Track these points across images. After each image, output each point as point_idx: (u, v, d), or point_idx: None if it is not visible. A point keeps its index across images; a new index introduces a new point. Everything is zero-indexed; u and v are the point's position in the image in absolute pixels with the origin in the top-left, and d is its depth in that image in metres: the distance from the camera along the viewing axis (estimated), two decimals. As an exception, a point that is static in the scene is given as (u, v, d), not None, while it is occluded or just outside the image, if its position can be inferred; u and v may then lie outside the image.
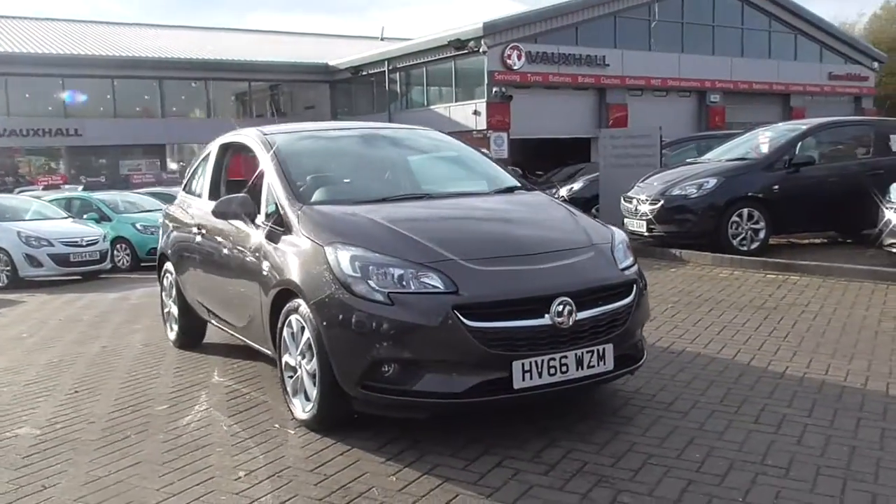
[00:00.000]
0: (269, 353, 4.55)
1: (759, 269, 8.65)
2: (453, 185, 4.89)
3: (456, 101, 30.36)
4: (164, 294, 6.44)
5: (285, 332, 4.14)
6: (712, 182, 9.49)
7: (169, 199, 17.63)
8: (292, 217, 4.24)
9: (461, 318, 3.51)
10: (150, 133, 34.05)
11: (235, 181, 5.80)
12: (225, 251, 4.91)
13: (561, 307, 3.63)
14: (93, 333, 7.23)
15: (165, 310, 6.42)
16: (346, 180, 4.88)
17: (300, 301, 3.96)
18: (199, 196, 5.80)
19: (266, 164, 4.73)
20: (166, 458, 3.74)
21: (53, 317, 8.53)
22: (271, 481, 3.42)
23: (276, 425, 4.14)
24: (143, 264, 15.02)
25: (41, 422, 4.42)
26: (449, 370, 3.56)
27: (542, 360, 3.62)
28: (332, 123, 6.37)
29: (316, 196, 4.44)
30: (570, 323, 3.65)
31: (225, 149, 5.72)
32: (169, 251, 6.12)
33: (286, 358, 4.18)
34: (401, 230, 3.95)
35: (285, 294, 4.13)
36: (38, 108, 32.84)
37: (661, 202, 9.70)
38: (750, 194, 9.41)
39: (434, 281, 3.61)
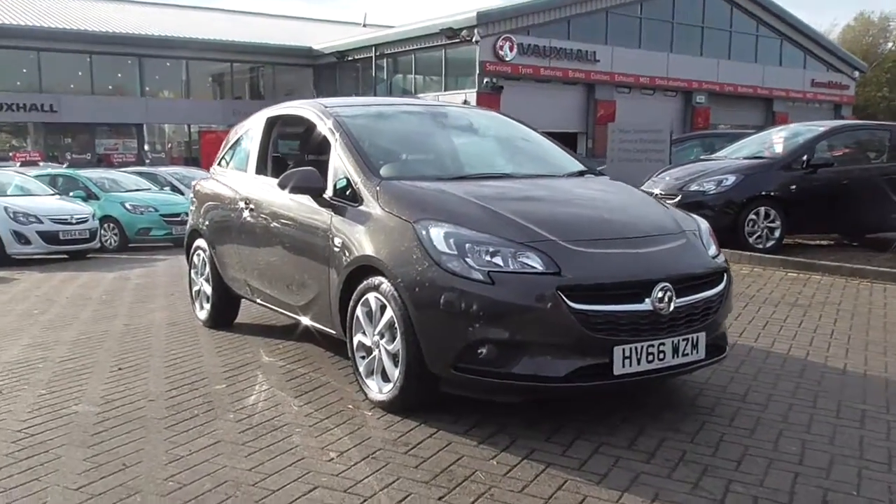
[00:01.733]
0: (332, 332, 4.40)
1: (778, 266, 8.66)
2: (527, 166, 4.76)
3: (445, 90, 30.18)
4: (193, 272, 6.23)
5: (359, 312, 4.00)
6: (731, 179, 9.47)
7: (156, 180, 17.49)
8: (369, 192, 4.09)
9: (565, 299, 3.40)
10: (127, 111, 33.34)
11: (279, 156, 5.61)
12: (281, 227, 4.75)
13: (662, 293, 3.54)
14: (108, 312, 7.00)
15: (195, 288, 6.21)
16: (422, 156, 4.73)
17: (382, 279, 3.82)
18: (243, 171, 5.60)
19: (333, 137, 4.56)
20: (245, 438, 3.59)
21: (57, 295, 8.27)
22: (367, 463, 3.29)
23: (350, 406, 4.00)
24: (130, 245, 14.68)
25: (97, 399, 4.23)
26: (549, 353, 3.46)
27: (642, 347, 3.53)
28: (392, 99, 6.17)
29: (391, 171, 4.30)
30: (670, 309, 3.57)
31: (272, 122, 5.52)
32: (203, 227, 5.92)
33: (359, 338, 4.04)
34: (493, 208, 3.83)
35: (361, 271, 3.99)
36: (10, 82, 31.94)
37: (679, 197, 9.64)
38: (768, 193, 9.42)
39: (534, 261, 3.50)
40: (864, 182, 9.62)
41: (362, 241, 3.99)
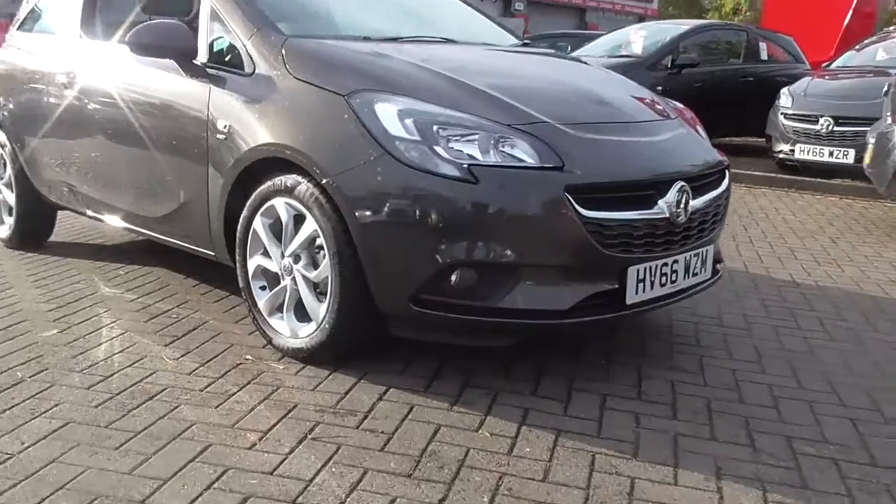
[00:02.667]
0: (209, 254, 3.21)
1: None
2: (467, 34, 3.66)
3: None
4: (-15, 176, 4.65)
5: (259, 225, 2.87)
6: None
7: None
8: (269, 54, 2.90)
9: (574, 204, 2.47)
10: None
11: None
12: (127, 108, 3.39)
13: (679, 194, 2.71)
14: None
15: (-11, 197, 4.64)
16: (336, 10, 3.52)
17: (298, 179, 2.70)
18: (61, 34, 4.08)
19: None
20: (109, 419, 2.40)
21: None
22: (309, 449, 2.25)
23: (249, 357, 2.88)
24: None
25: None
26: (549, 280, 2.54)
27: (656, 266, 2.70)
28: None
29: (297, 27, 3.10)
30: (686, 216, 2.74)
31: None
32: (1, 115, 4.35)
33: (258, 262, 2.91)
34: (458, 77, 2.78)
35: (262, 168, 2.83)
36: None
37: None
38: (637, 92, 8.91)
39: (527, 151, 2.52)
40: (723, 83, 9.41)
41: (263, 124, 2.81)
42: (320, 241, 2.68)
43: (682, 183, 2.74)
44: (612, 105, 3.00)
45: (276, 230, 2.85)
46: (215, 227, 3.07)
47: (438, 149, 2.47)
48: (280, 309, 2.89)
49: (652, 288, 2.70)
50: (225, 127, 2.93)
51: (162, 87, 3.24)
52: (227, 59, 3.06)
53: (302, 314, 2.82)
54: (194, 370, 2.76)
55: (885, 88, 6.27)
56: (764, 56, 10.03)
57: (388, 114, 2.54)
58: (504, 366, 2.85)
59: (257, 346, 2.98)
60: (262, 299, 2.94)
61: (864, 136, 6.67)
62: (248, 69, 2.94)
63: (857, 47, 9.44)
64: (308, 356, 2.78)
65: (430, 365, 2.83)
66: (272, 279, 2.92)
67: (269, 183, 2.81)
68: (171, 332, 3.12)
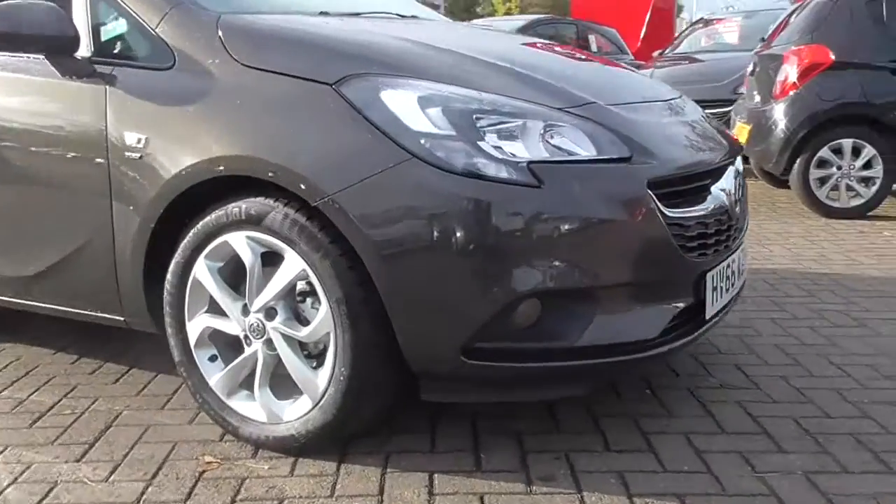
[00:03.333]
0: (117, 319, 2.34)
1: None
2: (409, 10, 2.96)
3: None
4: None
5: (203, 272, 2.07)
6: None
7: None
8: (198, 39, 2.09)
9: (658, 202, 1.91)
10: None
11: None
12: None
13: (735, 180, 2.25)
14: None
15: None
16: None
17: (267, 203, 1.94)
18: None
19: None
20: None
21: None
22: None
23: (210, 459, 2.06)
24: None
25: None
26: (629, 303, 1.96)
27: (723, 269, 2.21)
28: None
29: (225, 4, 2.27)
30: (739, 207, 2.29)
31: None
32: None
33: (205, 322, 2.11)
34: (473, 55, 2.13)
35: (201, 193, 2.04)
36: None
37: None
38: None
39: (587, 140, 1.92)
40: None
41: (204, 133, 2.02)
42: (302, 286, 1.97)
43: (736, 167, 2.28)
44: (633, 83, 2.49)
45: (231, 276, 2.07)
46: (128, 281, 2.20)
47: (483, 144, 1.82)
48: (246, 385, 2.11)
49: (721, 296, 2.21)
50: (139, 142, 2.08)
51: (27, 95, 2.31)
52: (123, 49, 2.22)
53: (287, 391, 2.05)
54: (142, 495, 1.90)
55: (751, 68, 6.29)
56: (594, 48, 10.10)
57: (404, 103, 1.85)
58: (537, 415, 2.24)
59: (211, 439, 2.17)
60: (215, 375, 2.13)
61: (721, 116, 6.71)
62: (163, 61, 2.11)
63: (680, 36, 9.71)
64: (302, 446, 2.02)
65: (448, 434, 2.16)
66: (229, 346, 2.12)
67: (217, 213, 2.01)
68: (77, 437, 2.21)
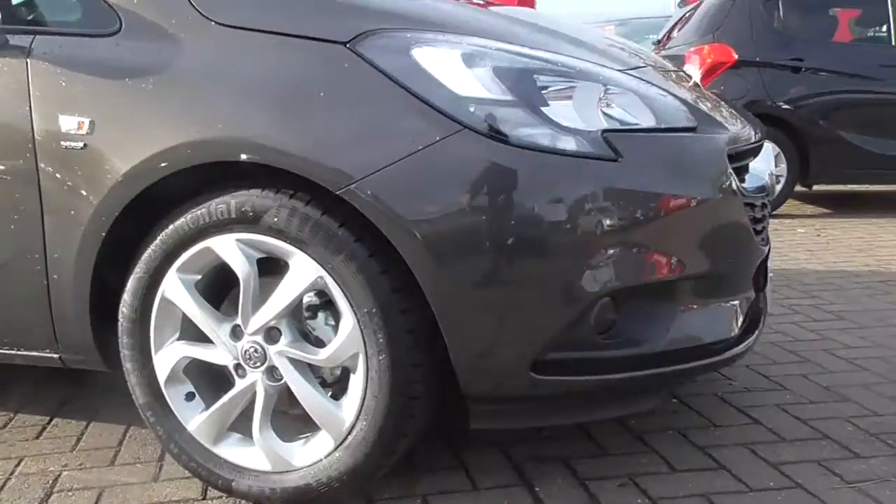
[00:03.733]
0: (51, 357, 1.83)
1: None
2: None
3: None
4: None
5: (175, 290, 1.64)
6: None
7: None
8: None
9: (734, 178, 1.66)
10: None
11: None
12: None
13: (773, 155, 2.05)
14: None
15: None
16: None
17: (264, 196, 1.53)
18: None
19: None
20: None
21: None
22: None
23: (198, 525, 1.62)
24: None
25: None
26: (705, 297, 1.68)
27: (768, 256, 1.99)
28: None
29: None
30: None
31: None
32: None
33: (180, 352, 1.67)
34: (504, 13, 1.81)
35: (170, 190, 1.61)
36: None
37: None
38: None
39: (650, 107, 1.63)
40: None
41: (173, 112, 1.59)
42: (310, 298, 1.58)
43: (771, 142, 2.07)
44: (648, 54, 2.22)
45: (208, 293, 1.65)
46: (67, 308, 1.72)
47: (548, 111, 1.50)
48: (237, 427, 1.68)
49: (766, 286, 1.98)
50: (80, 128, 1.62)
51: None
52: (45, 13, 1.75)
53: (298, 428, 1.65)
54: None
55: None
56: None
57: (444, 62, 1.50)
58: (573, 437, 1.93)
59: (191, 497, 1.72)
60: (195, 418, 1.68)
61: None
62: (103, 25, 1.66)
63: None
64: (320, 497, 1.61)
65: (492, 461, 1.82)
66: (210, 379, 1.69)
67: (194, 213, 1.58)
68: (6, 513, 1.70)
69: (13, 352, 1.86)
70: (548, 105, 1.50)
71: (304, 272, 1.54)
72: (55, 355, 1.81)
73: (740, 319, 1.72)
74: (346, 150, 1.49)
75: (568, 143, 1.48)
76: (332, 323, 1.61)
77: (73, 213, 1.66)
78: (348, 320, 1.53)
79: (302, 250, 1.53)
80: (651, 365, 1.58)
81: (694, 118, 1.67)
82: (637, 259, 1.52)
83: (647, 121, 1.62)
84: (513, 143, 1.45)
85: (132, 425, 2.04)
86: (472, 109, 1.47)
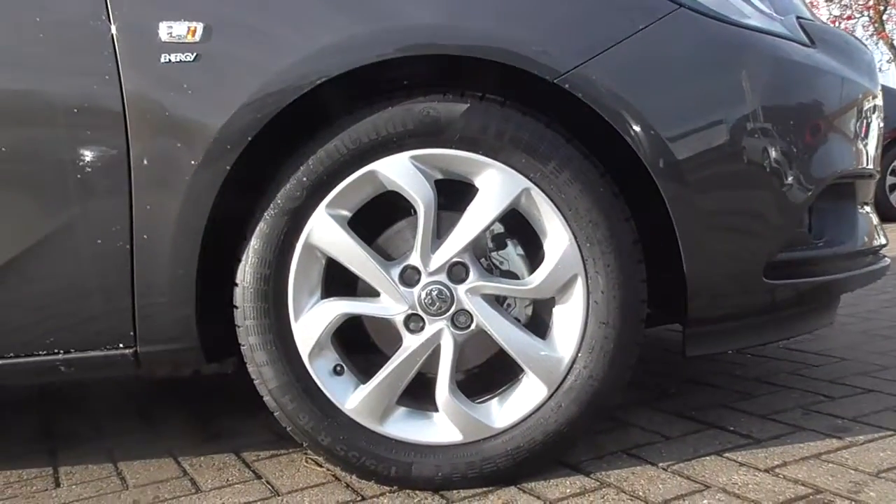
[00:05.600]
0: (124, 353, 1.38)
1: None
2: None
3: None
4: None
5: (325, 232, 1.32)
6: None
7: None
8: None
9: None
10: None
11: None
12: None
13: None
14: None
15: None
16: None
17: (456, 106, 1.30)
18: None
19: None
20: None
21: None
22: None
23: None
24: None
25: None
26: (865, 196, 1.70)
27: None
28: None
29: None
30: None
31: None
32: None
33: (330, 312, 1.34)
34: None
35: (309, 107, 1.32)
36: None
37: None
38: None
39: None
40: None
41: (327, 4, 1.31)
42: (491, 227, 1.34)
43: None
44: None
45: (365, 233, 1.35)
46: (166, 281, 1.31)
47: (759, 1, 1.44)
48: (403, 401, 1.36)
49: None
50: (191, 34, 1.28)
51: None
52: None
53: (507, 388, 1.38)
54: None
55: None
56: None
57: None
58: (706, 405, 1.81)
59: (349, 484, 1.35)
60: (353, 394, 1.35)
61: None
62: None
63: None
64: (535, 457, 1.34)
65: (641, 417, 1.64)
66: (354, 348, 1.37)
67: (353, 131, 1.29)
68: None
69: (53, 356, 1.39)
70: (751, -3, 1.42)
71: (502, 188, 1.30)
72: (127, 351, 1.37)
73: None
74: (561, 34, 1.30)
75: (777, 27, 1.42)
76: (522, 252, 1.38)
77: (178, 146, 1.29)
78: (562, 239, 1.31)
79: (501, 161, 1.30)
80: (850, 267, 1.52)
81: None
82: (846, 150, 1.47)
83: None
84: (731, 23, 1.35)
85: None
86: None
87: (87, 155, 1.29)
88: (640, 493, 1.29)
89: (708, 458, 1.42)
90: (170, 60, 1.28)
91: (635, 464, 1.41)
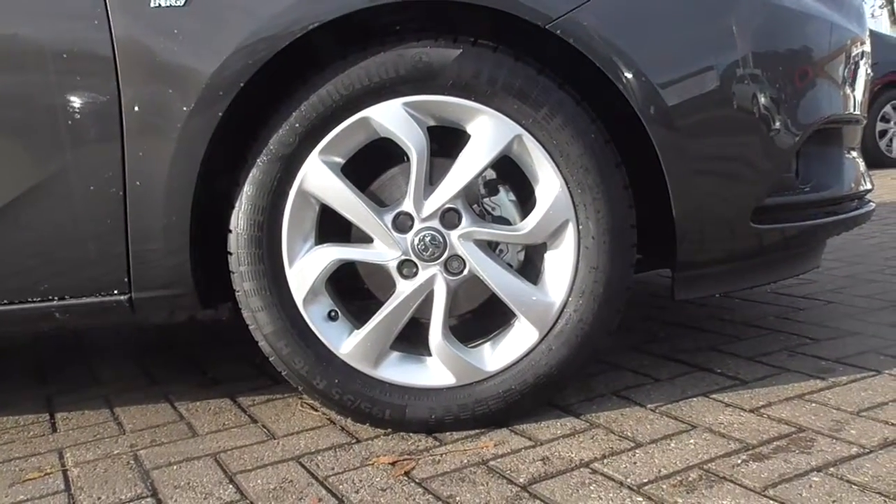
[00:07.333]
0: (118, 299, 1.40)
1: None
2: None
3: None
4: None
5: (319, 178, 1.33)
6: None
7: None
8: None
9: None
10: None
11: None
12: None
13: None
14: None
15: None
16: None
17: (447, 52, 1.30)
18: None
19: None
20: None
21: None
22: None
23: (375, 461, 1.30)
24: None
25: None
26: (852, 142, 1.72)
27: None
28: None
29: None
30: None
31: None
32: None
33: (326, 257, 1.35)
34: None
35: (301, 51, 1.32)
36: None
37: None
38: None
39: None
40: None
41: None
42: (477, 170, 1.34)
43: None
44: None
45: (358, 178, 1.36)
46: (160, 227, 1.32)
47: None
48: (396, 346, 1.38)
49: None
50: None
51: None
52: None
53: (502, 328, 1.40)
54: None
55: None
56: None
57: None
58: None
59: (352, 432, 1.38)
60: (347, 339, 1.37)
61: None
62: None
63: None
64: (526, 399, 1.37)
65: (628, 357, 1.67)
66: (346, 293, 1.39)
67: (346, 76, 1.29)
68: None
69: (48, 303, 1.40)
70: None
71: (495, 134, 1.31)
72: (122, 297, 1.39)
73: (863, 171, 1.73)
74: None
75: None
76: (514, 198, 1.39)
77: (170, 93, 1.28)
78: (553, 184, 1.32)
79: (493, 108, 1.30)
80: (836, 211, 1.54)
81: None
82: (833, 95, 1.48)
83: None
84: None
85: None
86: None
87: (78, 101, 1.28)
88: (629, 434, 1.32)
89: (695, 399, 1.45)
90: (160, 5, 1.27)
91: (624, 405, 1.45)
